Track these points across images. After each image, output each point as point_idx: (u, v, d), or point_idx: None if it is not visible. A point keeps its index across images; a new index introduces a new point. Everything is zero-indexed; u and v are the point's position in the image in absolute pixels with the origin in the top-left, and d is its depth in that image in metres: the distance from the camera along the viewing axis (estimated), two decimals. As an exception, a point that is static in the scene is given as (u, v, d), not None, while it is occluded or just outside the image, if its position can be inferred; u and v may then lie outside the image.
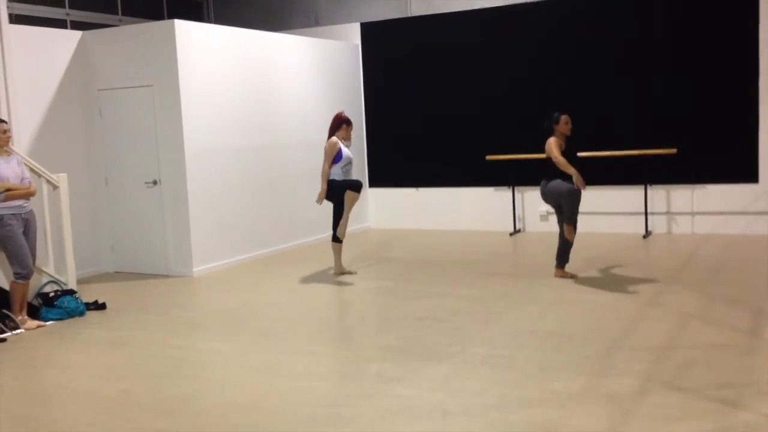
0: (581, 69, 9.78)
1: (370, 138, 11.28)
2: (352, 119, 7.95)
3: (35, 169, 6.79)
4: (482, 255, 8.89)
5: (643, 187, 9.52)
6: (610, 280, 7.14)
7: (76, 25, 9.81)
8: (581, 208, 7.20)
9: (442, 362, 4.97)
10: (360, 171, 11.24)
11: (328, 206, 7.92)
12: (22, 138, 7.77)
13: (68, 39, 8.49)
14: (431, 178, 10.88)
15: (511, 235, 10.18)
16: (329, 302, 7.02)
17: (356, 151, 11.11)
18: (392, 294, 7.17)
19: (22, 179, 6.33)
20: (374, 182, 11.31)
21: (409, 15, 11.03)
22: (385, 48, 11.00)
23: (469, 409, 4.18)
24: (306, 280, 7.83)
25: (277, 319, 6.41)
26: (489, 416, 4.07)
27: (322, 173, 7.64)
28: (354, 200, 7.70)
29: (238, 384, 4.80)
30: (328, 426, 4.06)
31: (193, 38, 8.32)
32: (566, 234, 7.08)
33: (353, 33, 11.20)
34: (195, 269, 8.33)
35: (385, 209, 11.28)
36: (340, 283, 7.62)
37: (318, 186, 7.75)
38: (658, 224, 9.67)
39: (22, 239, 6.22)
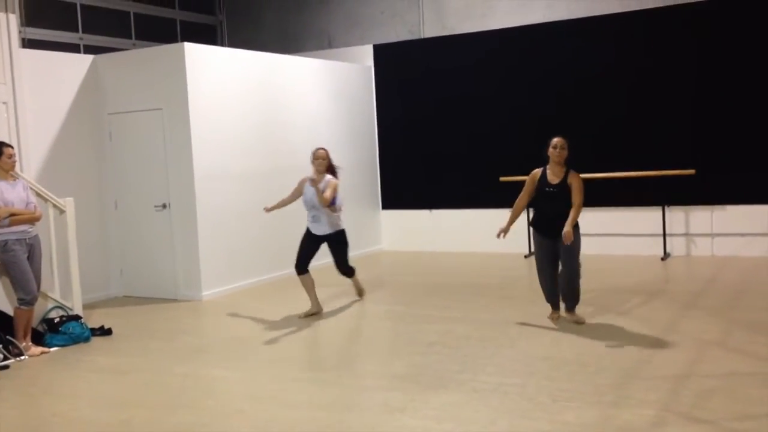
0: (598, 90, 9.63)
1: (383, 160, 11.19)
2: (325, 148, 7.29)
3: (41, 193, 6.74)
4: (496, 278, 8.71)
5: (661, 208, 9.32)
6: (627, 305, 6.94)
7: (90, 50, 9.84)
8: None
9: (451, 391, 4.81)
10: (373, 193, 11.15)
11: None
12: (32, 161, 7.76)
13: (79, 63, 8.50)
14: (445, 199, 10.74)
15: (525, 257, 9.99)
16: (338, 327, 6.87)
17: (369, 173, 11.07)
18: (402, 319, 7.01)
19: (27, 204, 6.27)
20: (387, 204, 11.19)
21: (422, 36, 10.97)
22: (398, 70, 10.94)
23: (476, 442, 4.01)
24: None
25: (285, 345, 6.27)
26: (497, 449, 3.90)
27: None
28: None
29: (240, 414, 4.66)
30: (329, 459, 3.91)
31: (203, 61, 8.29)
32: None
33: (366, 55, 11.16)
34: (204, 293, 8.24)
35: (398, 231, 11.14)
36: (350, 308, 7.48)
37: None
38: (676, 246, 9.45)
39: (26, 265, 6.15)
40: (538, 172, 6.28)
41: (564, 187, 6.11)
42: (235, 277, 8.63)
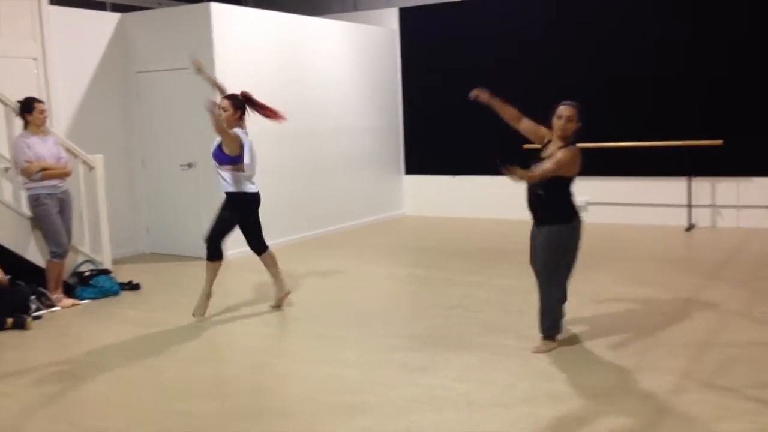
0: (626, 56, 9.49)
1: (406, 124, 11.17)
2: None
3: (72, 149, 6.84)
4: (519, 244, 8.60)
5: (686, 178, 9.25)
6: (650, 274, 6.94)
7: (116, 8, 9.85)
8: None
9: (471, 353, 4.87)
10: (396, 157, 11.17)
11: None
12: (61, 119, 7.85)
13: (107, 21, 8.54)
14: (468, 165, 10.72)
15: (548, 225, 9.98)
16: (360, 289, 6.95)
17: (392, 137, 11.07)
18: (424, 282, 7.08)
19: (58, 159, 6.38)
20: (410, 169, 11.20)
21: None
22: (424, 33, 10.85)
23: (496, 402, 4.08)
24: (339, 265, 7.78)
25: (308, 304, 6.37)
26: (517, 410, 3.97)
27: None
28: None
29: (265, 369, 4.77)
30: (352, 413, 4.00)
31: (230, 21, 8.29)
32: None
33: (392, 18, 11.08)
34: (229, 252, 8.30)
35: (421, 196, 11.16)
36: (373, 270, 7.56)
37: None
38: (701, 217, 9.39)
39: (57, 218, 6.28)
40: (548, 134, 5.12)
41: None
42: (259, 237, 8.71)
